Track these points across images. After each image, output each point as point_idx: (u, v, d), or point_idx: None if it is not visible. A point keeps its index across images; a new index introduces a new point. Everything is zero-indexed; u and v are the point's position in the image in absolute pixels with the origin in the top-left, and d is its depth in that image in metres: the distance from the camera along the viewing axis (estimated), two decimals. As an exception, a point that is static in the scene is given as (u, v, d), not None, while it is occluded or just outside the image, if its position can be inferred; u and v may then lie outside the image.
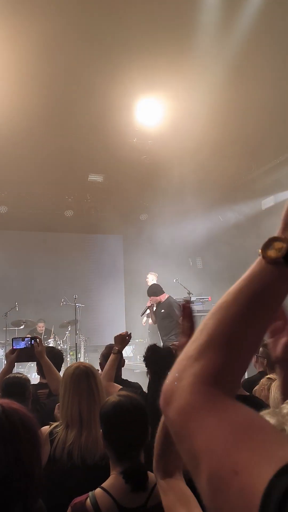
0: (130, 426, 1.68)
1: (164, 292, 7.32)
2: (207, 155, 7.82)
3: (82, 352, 8.47)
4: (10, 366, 2.81)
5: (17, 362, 2.88)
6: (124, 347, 3.19)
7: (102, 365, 3.44)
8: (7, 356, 2.86)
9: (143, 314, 7.55)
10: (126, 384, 3.37)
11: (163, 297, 7.23)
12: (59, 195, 9.85)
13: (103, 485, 1.63)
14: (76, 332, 8.31)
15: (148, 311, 7.37)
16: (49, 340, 8.74)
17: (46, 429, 2.20)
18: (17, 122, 7.41)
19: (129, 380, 3.56)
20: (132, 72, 6.46)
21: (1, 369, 2.96)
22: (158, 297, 7.23)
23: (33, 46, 5.89)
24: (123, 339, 3.12)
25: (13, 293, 9.09)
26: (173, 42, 6.03)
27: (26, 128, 7.67)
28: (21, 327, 8.77)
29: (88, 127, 7.99)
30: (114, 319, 10.10)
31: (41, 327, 9.05)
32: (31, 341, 2.90)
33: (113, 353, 3.09)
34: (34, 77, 6.41)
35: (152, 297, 7.24)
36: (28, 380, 2.91)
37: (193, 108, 7.02)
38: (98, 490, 1.61)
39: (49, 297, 9.38)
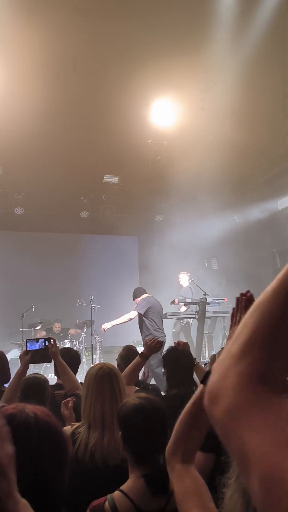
0: (150, 429, 1.66)
1: (143, 294, 7.29)
2: (223, 155, 7.78)
3: (98, 353, 8.50)
4: (24, 368, 2.82)
5: (31, 363, 2.89)
6: (152, 354, 3.14)
7: (120, 366, 3.43)
8: (21, 357, 2.86)
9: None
10: (142, 386, 3.36)
11: (146, 297, 7.22)
12: (75, 197, 9.91)
13: (122, 488, 1.62)
14: (91, 333, 8.34)
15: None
16: (65, 341, 8.79)
17: (67, 429, 2.19)
18: (34, 124, 7.48)
19: (147, 382, 3.55)
20: (147, 74, 6.47)
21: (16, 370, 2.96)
22: (137, 299, 7.26)
23: (50, 47, 5.95)
24: (153, 346, 3.07)
25: (29, 294, 9.17)
26: (188, 43, 6.03)
27: (42, 131, 7.73)
28: (37, 328, 8.84)
29: (103, 129, 8.02)
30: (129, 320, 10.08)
31: (57, 327, 9.12)
32: (45, 342, 2.89)
33: (140, 357, 3.05)
34: (50, 79, 6.46)
35: (135, 299, 7.32)
36: (46, 381, 2.92)
37: (209, 108, 7.00)
38: (116, 493, 1.60)
39: (65, 298, 9.43)
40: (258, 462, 0.52)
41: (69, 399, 2.56)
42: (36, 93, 6.68)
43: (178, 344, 3.19)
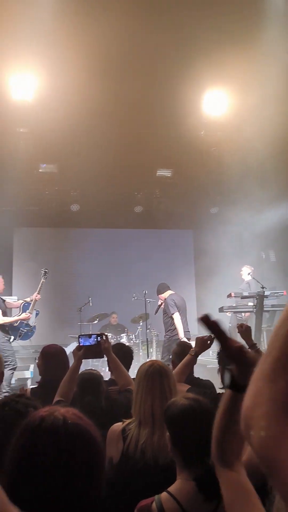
0: (198, 431, 1.62)
1: (167, 290, 7.59)
2: (280, 144, 7.50)
3: (154, 347, 8.53)
4: (78, 363, 2.86)
5: (84, 359, 2.93)
6: (203, 351, 3.05)
7: (174, 363, 3.39)
8: (74, 353, 2.91)
9: (156, 312, 7.80)
10: (197, 382, 3.31)
11: (166, 295, 7.51)
12: (128, 192, 9.96)
13: (169, 489, 1.60)
14: (147, 327, 8.39)
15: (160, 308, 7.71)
16: (122, 335, 8.92)
17: (119, 425, 2.21)
18: (86, 122, 7.59)
19: (200, 378, 3.49)
20: (200, 64, 6.36)
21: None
22: (161, 295, 7.55)
23: (101, 43, 5.98)
24: (204, 343, 2.97)
25: (86, 289, 9.37)
26: (241, 30, 5.85)
27: (95, 126, 7.83)
28: (95, 322, 9.02)
29: (155, 123, 7.99)
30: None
31: (114, 318, 9.31)
32: (97, 338, 2.92)
33: (190, 354, 2.99)
34: (102, 75, 6.50)
35: (159, 295, 7.62)
36: (101, 377, 2.96)
37: (263, 97, 6.76)
38: (164, 494, 1.58)
39: (121, 293, 9.55)
40: None
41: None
42: (88, 91, 6.76)
43: (240, 326, 3.11)
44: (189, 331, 7.30)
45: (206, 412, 1.67)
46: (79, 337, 2.92)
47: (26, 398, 1.76)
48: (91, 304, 8.68)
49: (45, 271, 7.37)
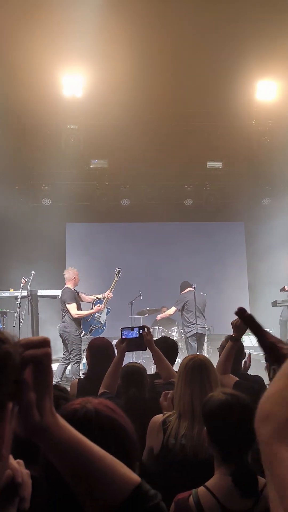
0: (237, 427, 1.59)
1: (187, 288, 8.12)
2: None
3: (206, 341, 8.47)
4: (121, 356, 2.89)
5: (126, 351, 2.95)
6: (242, 334, 2.87)
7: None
8: (117, 346, 2.93)
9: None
10: (245, 377, 3.24)
11: (185, 292, 8.14)
12: (178, 185, 9.91)
13: (207, 484, 1.58)
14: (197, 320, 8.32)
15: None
16: (172, 328, 8.93)
17: (159, 417, 2.23)
18: (135, 116, 7.64)
19: (249, 374, 3.42)
20: (251, 53, 6.20)
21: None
22: (182, 293, 8.21)
23: (151, 36, 5.96)
24: (239, 326, 2.79)
25: (137, 282, 9.43)
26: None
27: (144, 121, 7.86)
28: (145, 315, 9.09)
29: (205, 115, 7.90)
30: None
31: (164, 311, 9.32)
32: (139, 331, 2.93)
33: (231, 340, 2.85)
34: (151, 68, 6.47)
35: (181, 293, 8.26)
36: (145, 370, 2.99)
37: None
38: (201, 488, 1.57)
39: (171, 286, 9.53)
40: None
41: (170, 391, 2.55)
42: (137, 85, 6.78)
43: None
44: (204, 327, 8.06)
45: (244, 407, 1.63)
46: (121, 330, 2.94)
47: (59, 389, 1.80)
48: (141, 298, 8.74)
49: (119, 270, 7.54)
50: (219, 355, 3.45)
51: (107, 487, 0.76)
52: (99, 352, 3.37)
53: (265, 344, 1.16)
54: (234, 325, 2.81)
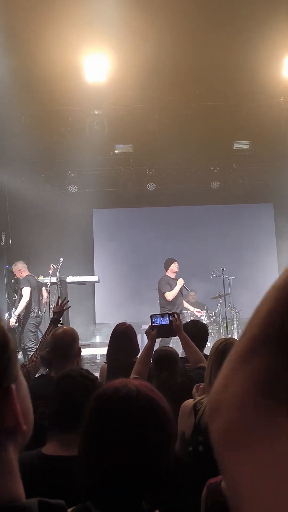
0: None
1: (168, 268, 8.01)
2: None
3: (235, 325, 8.40)
4: (152, 343, 2.90)
5: (158, 338, 2.95)
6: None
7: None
8: (147, 333, 2.95)
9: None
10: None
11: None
12: (205, 168, 9.76)
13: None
14: (226, 304, 8.26)
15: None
16: (203, 312, 8.89)
17: (190, 401, 2.24)
18: (159, 98, 7.53)
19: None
20: (279, 28, 5.97)
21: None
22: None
23: (177, 14, 5.84)
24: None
25: (164, 267, 9.40)
26: None
27: (168, 103, 7.76)
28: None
29: (231, 94, 7.72)
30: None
31: (192, 295, 9.29)
32: (169, 317, 2.94)
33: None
34: (174, 45, 6.33)
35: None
36: (177, 354, 3.00)
37: None
38: None
39: (200, 270, 9.47)
40: (249, 508, 0.42)
41: (202, 384, 2.53)
42: (160, 66, 6.67)
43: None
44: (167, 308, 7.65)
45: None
46: (151, 317, 2.96)
47: (90, 380, 1.80)
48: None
49: None
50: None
51: None
52: (120, 337, 3.36)
53: None
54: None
